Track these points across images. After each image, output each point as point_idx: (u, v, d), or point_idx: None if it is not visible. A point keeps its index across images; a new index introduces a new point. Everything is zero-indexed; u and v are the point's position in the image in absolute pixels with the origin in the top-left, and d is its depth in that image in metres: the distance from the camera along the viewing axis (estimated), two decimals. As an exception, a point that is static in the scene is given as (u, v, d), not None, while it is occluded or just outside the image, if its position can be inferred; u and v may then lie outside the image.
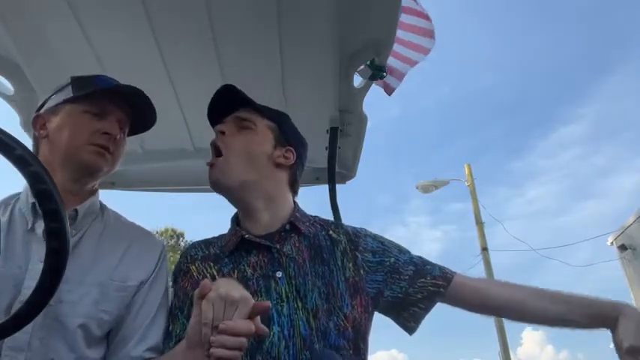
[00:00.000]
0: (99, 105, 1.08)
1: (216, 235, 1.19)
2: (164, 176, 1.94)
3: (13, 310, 0.68)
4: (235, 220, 1.17)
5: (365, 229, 1.20)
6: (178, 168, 1.89)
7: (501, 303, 1.10)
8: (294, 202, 1.18)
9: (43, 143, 1.08)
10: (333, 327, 0.98)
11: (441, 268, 1.13)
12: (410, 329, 1.13)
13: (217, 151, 1.14)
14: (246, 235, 1.07)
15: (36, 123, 1.10)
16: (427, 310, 1.11)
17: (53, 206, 0.63)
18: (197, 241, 1.18)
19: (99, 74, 1.16)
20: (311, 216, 1.21)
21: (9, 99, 1.49)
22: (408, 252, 1.17)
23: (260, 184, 1.11)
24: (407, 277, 1.10)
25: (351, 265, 1.08)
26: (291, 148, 1.17)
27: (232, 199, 1.15)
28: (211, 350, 0.71)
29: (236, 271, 1.04)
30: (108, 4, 1.24)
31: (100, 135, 1.06)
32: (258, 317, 0.76)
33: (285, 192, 1.16)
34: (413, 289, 1.09)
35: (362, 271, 1.08)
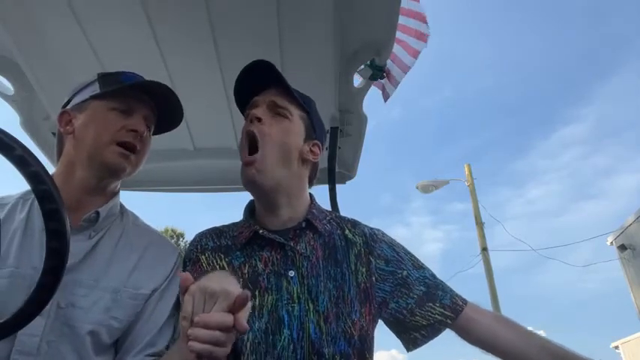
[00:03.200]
0: (125, 102, 1.07)
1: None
2: (164, 176, 1.94)
3: None
4: (249, 210, 1.13)
5: (382, 232, 1.16)
6: (178, 168, 1.90)
7: (505, 349, 1.04)
8: (311, 196, 1.15)
9: (68, 140, 1.06)
10: (342, 333, 0.95)
11: (452, 297, 1.08)
12: (408, 349, 1.09)
13: (252, 141, 1.06)
14: (261, 231, 1.04)
15: (62, 119, 1.08)
16: (429, 338, 1.06)
17: (53, 206, 0.63)
18: (208, 230, 1.15)
19: (125, 70, 1.14)
20: (327, 211, 1.18)
21: (9, 99, 1.49)
22: (422, 268, 1.11)
23: (288, 182, 1.06)
24: (415, 296, 1.06)
25: (364, 270, 1.05)
26: (317, 142, 1.13)
27: (259, 196, 1.10)
28: (189, 343, 0.69)
29: (247, 265, 1.02)
30: (108, 5, 1.24)
31: (126, 132, 1.05)
32: (245, 312, 0.73)
33: (305, 188, 1.13)
34: (419, 310, 1.05)
35: (373, 278, 1.05)
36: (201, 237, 1.12)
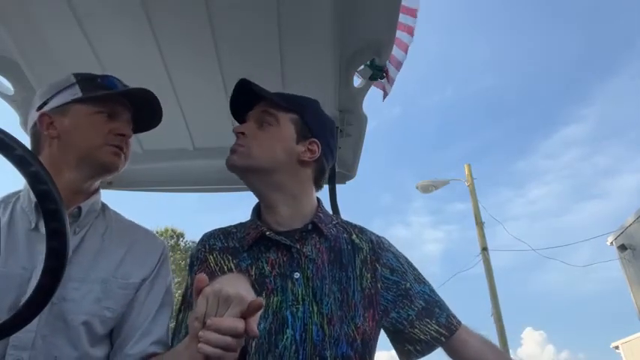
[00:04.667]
0: (109, 106, 1.09)
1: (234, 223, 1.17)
2: (164, 176, 1.94)
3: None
4: (257, 211, 1.14)
5: (388, 242, 1.17)
6: (178, 168, 1.90)
7: None
8: (318, 200, 1.16)
9: (52, 143, 1.07)
10: (344, 336, 0.96)
11: (448, 317, 1.09)
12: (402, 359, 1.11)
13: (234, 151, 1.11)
14: (267, 232, 1.05)
15: (42, 122, 1.08)
16: (422, 354, 1.07)
17: (53, 206, 0.63)
18: (216, 230, 1.16)
19: (104, 74, 1.16)
20: (334, 216, 1.19)
21: (9, 99, 1.49)
22: (424, 283, 1.13)
23: (280, 180, 1.08)
24: (416, 309, 1.07)
25: (369, 275, 1.06)
26: (315, 140, 1.12)
27: (251, 188, 1.12)
28: (198, 345, 0.71)
29: (254, 267, 1.03)
30: (108, 5, 1.24)
31: (114, 136, 1.08)
32: (256, 317, 0.74)
33: (309, 189, 1.13)
34: (418, 323, 1.06)
35: (379, 285, 1.06)
36: (209, 237, 1.14)
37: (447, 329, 1.07)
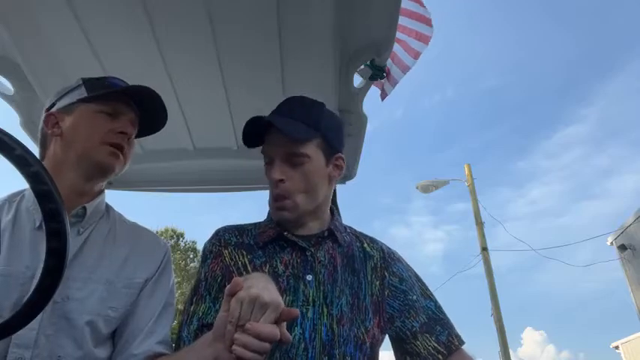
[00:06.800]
0: (112, 105, 1.10)
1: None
2: (164, 176, 1.94)
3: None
4: None
5: (399, 254, 1.19)
6: (178, 168, 1.90)
7: None
8: (331, 209, 1.18)
9: (56, 142, 1.09)
10: (353, 337, 0.98)
11: (449, 335, 1.08)
12: None
13: (282, 197, 1.08)
14: (286, 233, 1.07)
15: (48, 121, 1.10)
16: None
17: (53, 206, 0.63)
18: (230, 226, 1.18)
19: (109, 76, 1.18)
20: (346, 225, 1.21)
21: (9, 99, 1.49)
22: (430, 299, 1.14)
23: (317, 205, 1.11)
24: (419, 321, 1.08)
25: (378, 283, 1.09)
26: (339, 154, 1.14)
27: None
28: (233, 347, 0.72)
29: (268, 265, 1.05)
30: (108, 5, 1.24)
31: (115, 134, 1.08)
32: (284, 324, 0.75)
33: (329, 199, 1.16)
34: (421, 336, 1.07)
35: (386, 292, 1.08)
36: (224, 232, 1.15)
37: (446, 348, 1.06)
